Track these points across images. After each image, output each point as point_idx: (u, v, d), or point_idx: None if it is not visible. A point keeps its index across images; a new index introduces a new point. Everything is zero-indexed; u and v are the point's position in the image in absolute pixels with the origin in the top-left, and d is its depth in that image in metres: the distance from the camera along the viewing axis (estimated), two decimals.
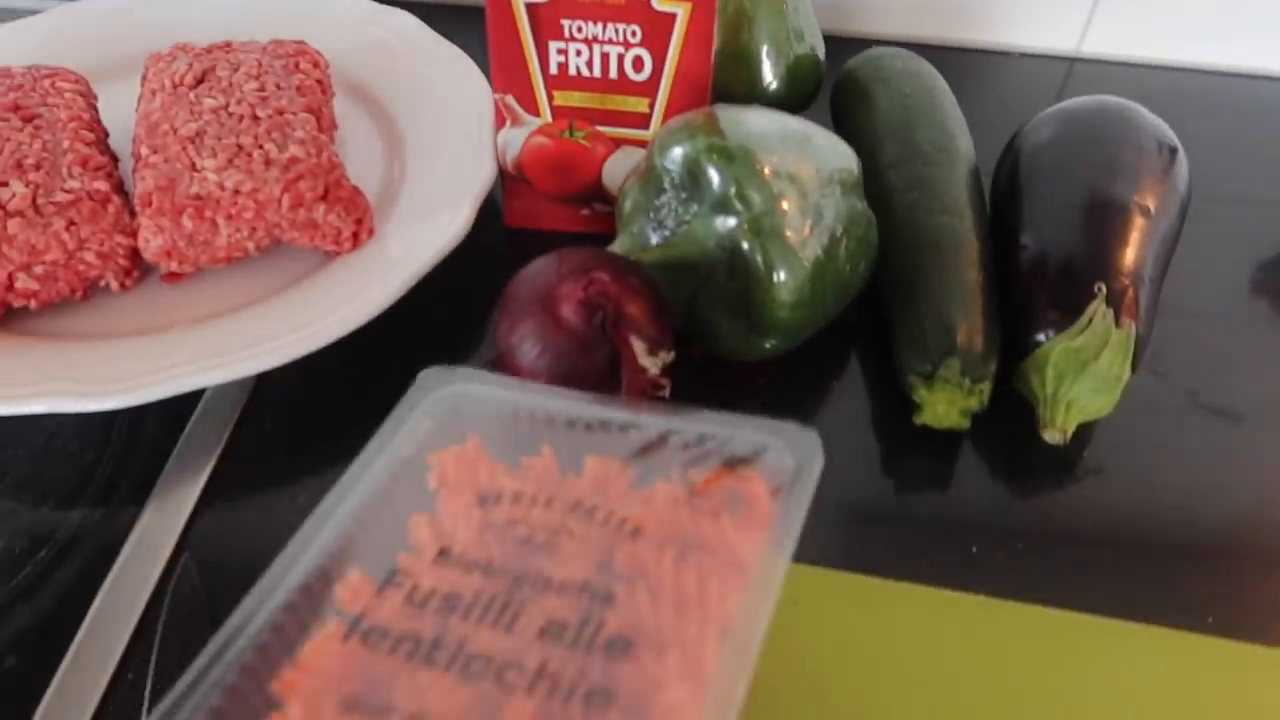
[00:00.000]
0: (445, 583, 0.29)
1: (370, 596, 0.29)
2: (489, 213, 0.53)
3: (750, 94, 0.55)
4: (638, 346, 0.39)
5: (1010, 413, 0.45)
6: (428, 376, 0.34)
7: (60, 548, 0.40)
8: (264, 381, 0.46)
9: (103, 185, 0.45)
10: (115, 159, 0.49)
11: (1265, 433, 0.46)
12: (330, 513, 0.30)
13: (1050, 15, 0.67)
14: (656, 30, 0.45)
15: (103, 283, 0.46)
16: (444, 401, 0.34)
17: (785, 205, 0.42)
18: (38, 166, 0.45)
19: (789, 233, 0.42)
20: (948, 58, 0.61)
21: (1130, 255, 0.45)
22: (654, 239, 0.45)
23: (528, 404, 0.34)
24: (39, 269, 0.43)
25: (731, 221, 0.41)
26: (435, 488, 0.32)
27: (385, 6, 0.61)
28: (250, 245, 0.46)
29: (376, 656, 0.28)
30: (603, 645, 0.27)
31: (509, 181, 0.52)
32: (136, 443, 0.43)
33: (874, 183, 0.50)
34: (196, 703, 0.26)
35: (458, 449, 0.33)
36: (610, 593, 0.28)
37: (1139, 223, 0.46)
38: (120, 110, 0.53)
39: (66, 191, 0.44)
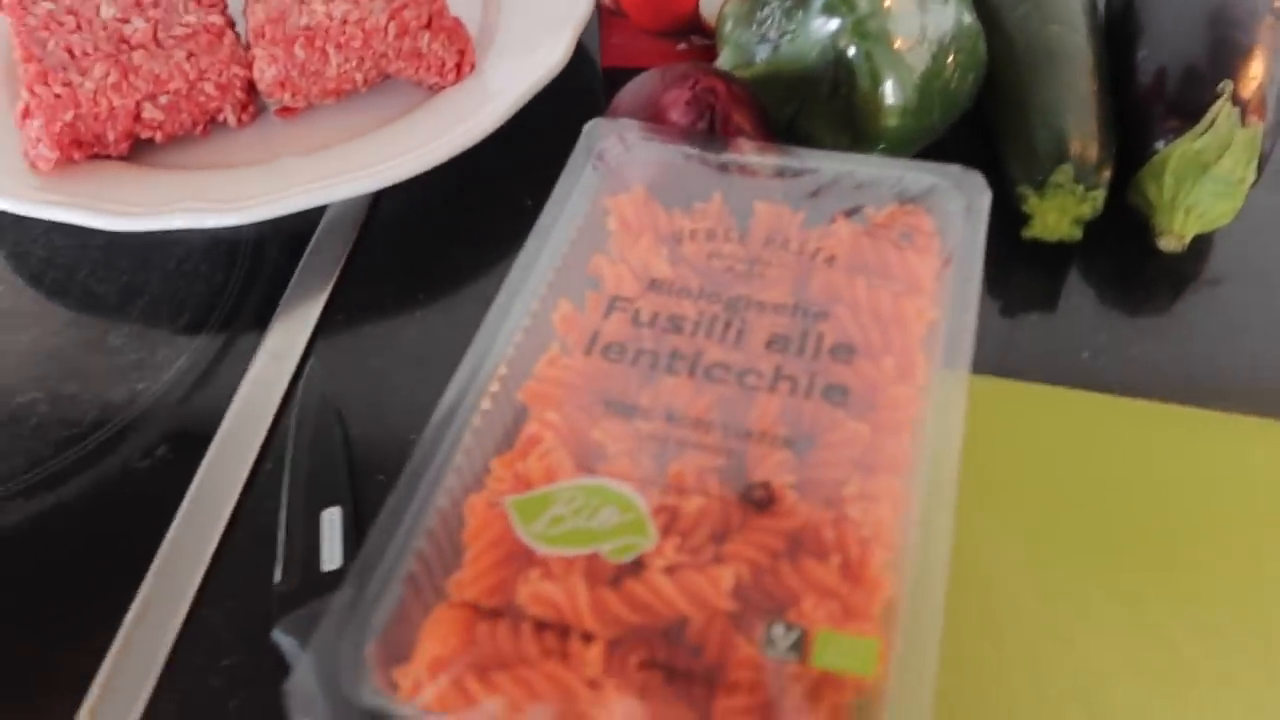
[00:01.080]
0: (664, 307, 0.31)
1: (596, 320, 0.31)
2: (587, 58, 0.53)
3: None
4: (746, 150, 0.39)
5: (1124, 232, 0.44)
6: (594, 126, 0.36)
7: (197, 356, 0.42)
8: (375, 211, 0.48)
9: (217, 19, 0.47)
10: (226, 1, 0.51)
11: None
12: (530, 264, 0.32)
13: None
14: None
15: (221, 116, 0.47)
16: (611, 151, 0.36)
17: (891, 8, 0.41)
18: (155, 4, 0.46)
19: (896, 39, 0.41)
20: None
21: (1258, 56, 0.42)
22: (758, 54, 0.44)
23: (691, 154, 0.36)
24: (163, 99, 0.45)
25: (836, 23, 0.41)
26: (614, 230, 0.34)
27: None
28: (358, 77, 0.47)
29: (618, 367, 0.30)
30: (828, 351, 0.30)
31: (605, 16, 0.52)
32: (261, 265, 0.45)
33: None
34: (463, 413, 0.29)
35: (629, 194, 0.34)
36: (821, 311, 0.31)
37: (1268, 22, 0.43)
38: None
39: (184, 25, 0.46)
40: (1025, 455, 0.37)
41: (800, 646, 0.25)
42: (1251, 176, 0.41)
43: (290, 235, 0.46)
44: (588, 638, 0.25)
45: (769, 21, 0.44)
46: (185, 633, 0.34)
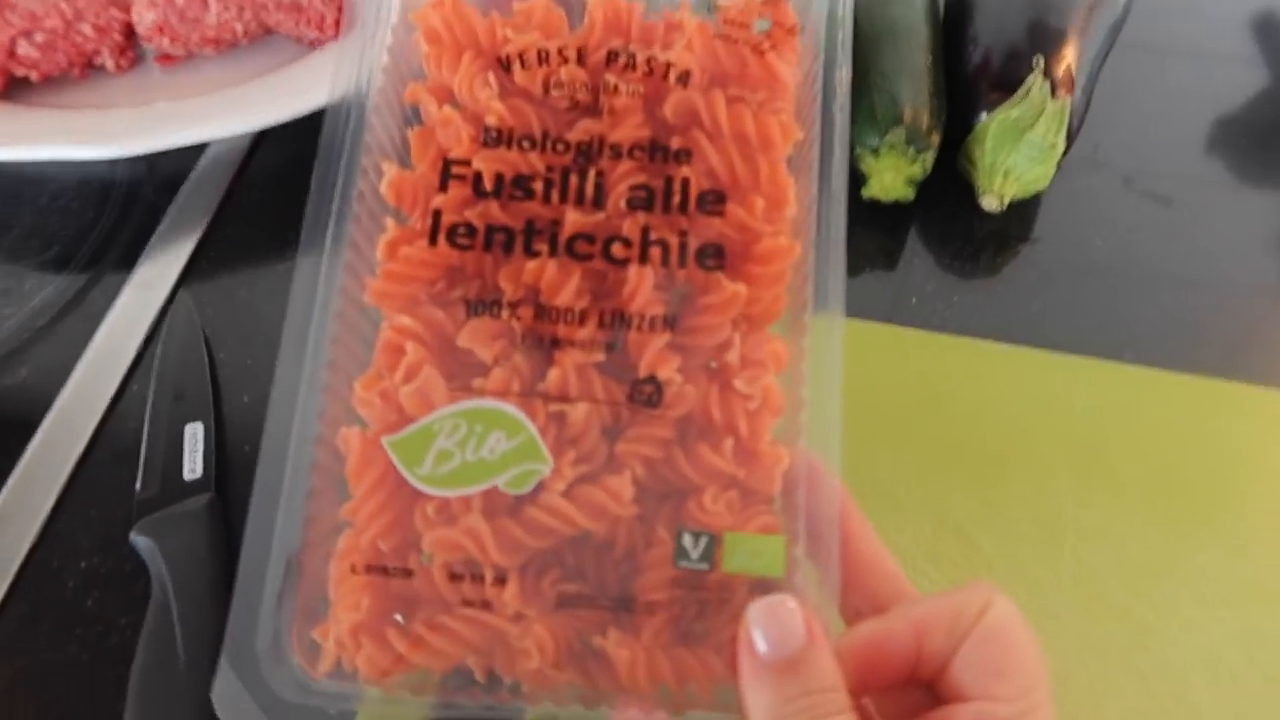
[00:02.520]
0: (508, 166, 0.27)
1: (432, 187, 0.27)
2: None
3: None
4: None
5: (956, 197, 0.48)
6: None
7: (65, 287, 0.43)
8: (251, 160, 0.49)
9: None
10: None
11: (1192, 212, 0.50)
12: (342, 121, 0.28)
13: None
14: None
15: (99, 60, 0.48)
16: None
17: None
18: None
19: None
20: None
21: (1070, 40, 0.47)
22: None
23: None
24: (39, 37, 0.46)
25: None
26: (426, 52, 0.29)
27: None
28: (238, 27, 0.48)
29: (470, 254, 0.27)
30: (695, 202, 0.27)
31: None
32: (134, 205, 0.46)
33: None
34: (317, 320, 0.27)
35: (435, 0, 0.29)
36: (681, 148, 0.28)
37: (1080, 11, 0.48)
38: None
39: None
40: (860, 383, 0.40)
41: (710, 554, 0.25)
42: (1062, 145, 0.46)
43: (165, 178, 0.47)
44: (500, 575, 0.25)
45: None
46: (45, 536, 0.35)
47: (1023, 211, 0.49)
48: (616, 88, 0.28)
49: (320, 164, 0.28)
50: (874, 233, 0.48)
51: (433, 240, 0.27)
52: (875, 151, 0.46)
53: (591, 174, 0.27)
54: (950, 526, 0.36)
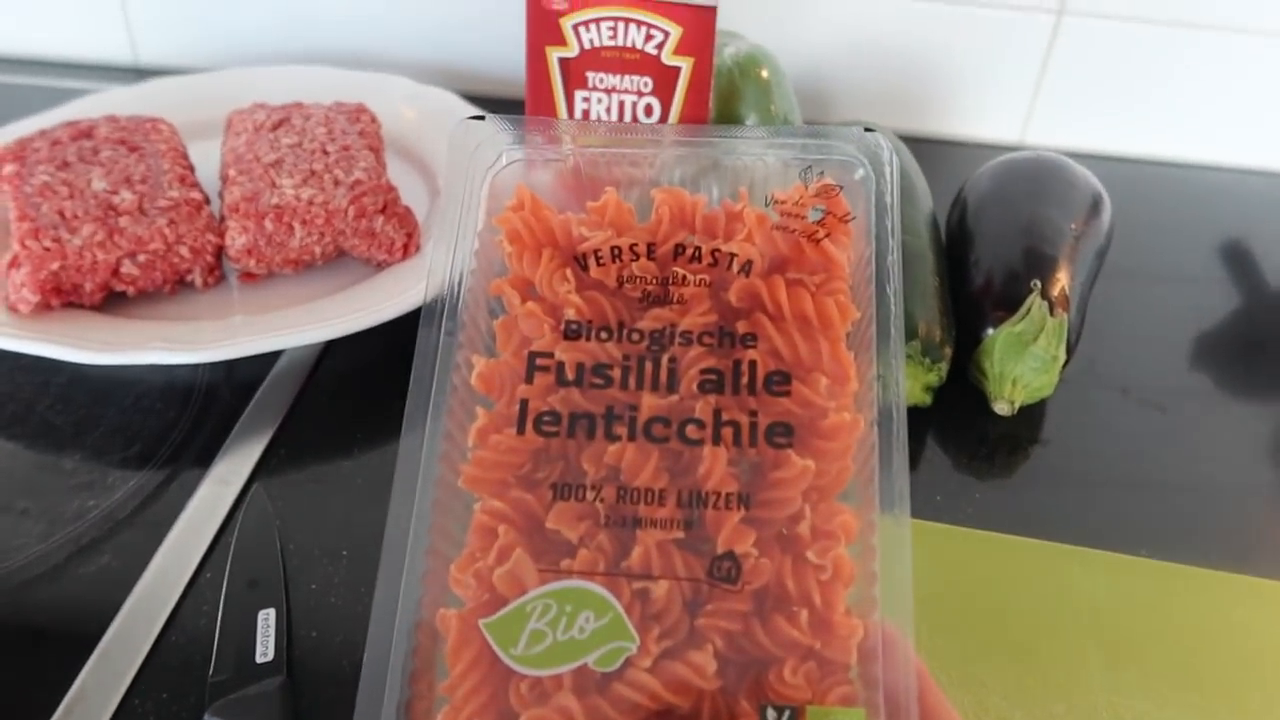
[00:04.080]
0: (587, 356, 0.30)
1: (518, 378, 0.30)
2: None
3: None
4: None
5: (969, 404, 0.52)
6: (463, 134, 0.33)
7: (146, 481, 0.46)
8: (323, 364, 0.53)
9: (198, 195, 0.54)
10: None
11: (1185, 419, 0.54)
12: (434, 318, 0.31)
13: (995, 108, 0.78)
14: (664, 81, 0.55)
15: (190, 277, 0.53)
16: (488, 159, 0.33)
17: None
18: (143, 181, 0.53)
19: None
20: (911, 144, 0.71)
21: (1062, 264, 0.53)
22: None
23: (576, 150, 0.34)
24: (141, 257, 0.51)
25: None
26: (509, 252, 0.31)
27: (426, 86, 0.72)
28: (317, 250, 0.54)
29: (555, 440, 0.29)
30: (762, 384, 0.29)
31: None
32: (212, 405, 0.50)
33: None
34: (416, 507, 0.29)
35: (515, 203, 0.32)
36: (747, 332, 0.30)
37: (1069, 239, 0.54)
38: (205, 161, 0.62)
39: (167, 199, 0.53)
40: None
41: None
42: (1063, 356, 0.50)
43: (241, 383, 0.51)
44: None
45: None
46: (119, 719, 0.36)
47: (1031, 416, 0.53)
48: (684, 278, 0.31)
49: (418, 362, 0.30)
50: None
51: (520, 429, 0.29)
52: None
53: (665, 360, 0.30)
54: (992, 712, 0.37)
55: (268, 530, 0.43)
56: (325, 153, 0.56)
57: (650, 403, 0.29)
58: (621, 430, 0.29)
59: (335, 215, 0.53)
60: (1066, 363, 0.51)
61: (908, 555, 0.28)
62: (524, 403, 0.29)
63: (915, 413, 0.51)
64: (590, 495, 0.28)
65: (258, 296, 0.54)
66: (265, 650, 0.38)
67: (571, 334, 0.30)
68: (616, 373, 0.30)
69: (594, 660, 0.27)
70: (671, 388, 0.29)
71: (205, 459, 0.47)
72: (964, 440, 0.51)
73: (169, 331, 0.50)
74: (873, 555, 0.28)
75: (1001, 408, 0.50)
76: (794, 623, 0.27)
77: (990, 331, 0.51)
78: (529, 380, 0.30)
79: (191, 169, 0.57)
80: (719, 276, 0.31)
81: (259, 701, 0.36)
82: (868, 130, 0.33)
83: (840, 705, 0.27)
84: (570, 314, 0.30)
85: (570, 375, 0.30)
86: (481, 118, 0.34)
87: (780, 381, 0.29)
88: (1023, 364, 0.50)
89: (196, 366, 0.50)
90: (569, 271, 0.31)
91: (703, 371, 0.29)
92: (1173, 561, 0.44)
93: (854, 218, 0.31)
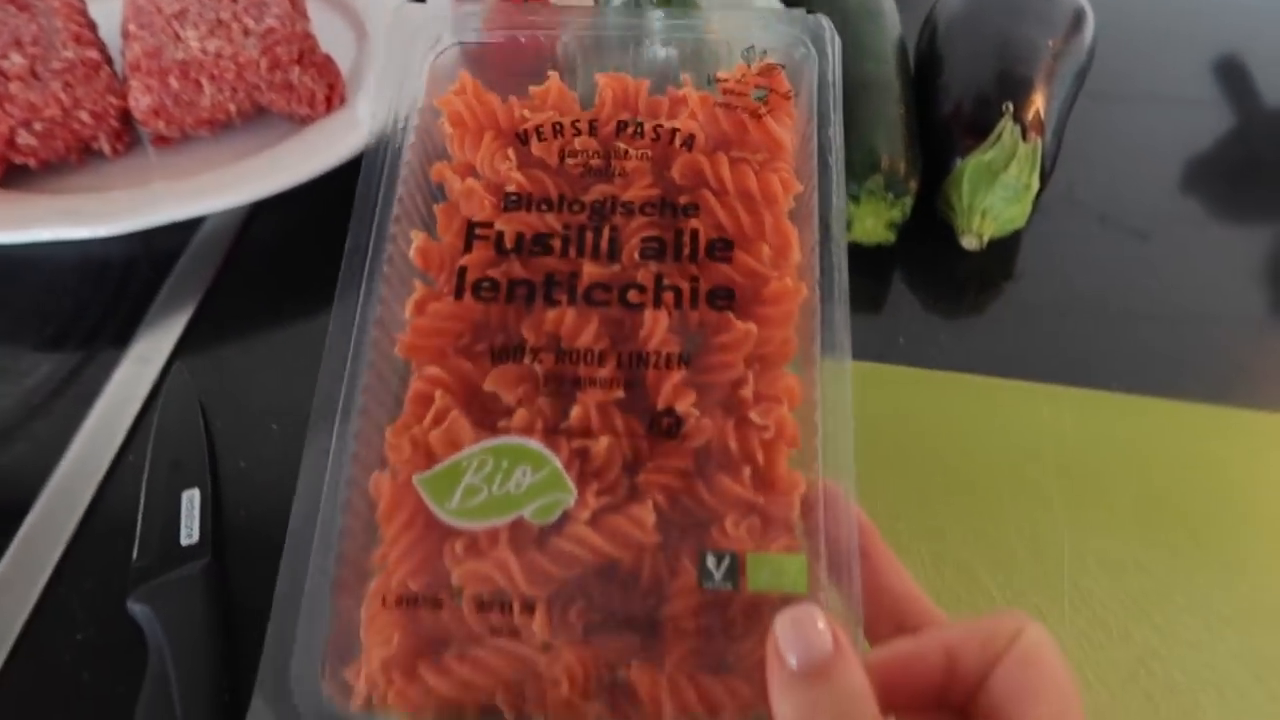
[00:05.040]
0: (527, 226, 0.29)
1: (457, 251, 0.29)
2: None
3: None
4: None
5: (937, 240, 0.49)
6: (400, 19, 0.33)
7: (61, 364, 0.43)
8: (247, 231, 0.50)
9: (95, 55, 0.49)
10: (104, 42, 0.53)
11: (1168, 247, 0.50)
12: (371, 193, 0.30)
13: None
14: None
15: (96, 145, 0.49)
16: (427, 43, 0.33)
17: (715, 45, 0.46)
18: (35, 43, 0.49)
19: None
20: None
21: (1037, 86, 0.49)
22: None
23: (512, 28, 0.33)
24: (38, 126, 0.47)
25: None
26: (450, 133, 0.31)
27: None
28: (232, 108, 0.50)
29: (494, 306, 0.28)
30: (705, 249, 0.29)
31: None
32: (129, 282, 0.47)
33: None
34: (349, 376, 0.28)
35: (458, 87, 0.32)
36: (689, 203, 0.30)
37: (1046, 58, 0.50)
38: (109, 19, 0.57)
39: (62, 60, 0.48)
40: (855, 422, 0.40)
41: (734, 575, 0.25)
42: (1035, 184, 0.47)
43: (160, 254, 0.48)
44: (528, 605, 0.25)
45: None
46: (41, 610, 0.35)
47: (1002, 251, 0.49)
48: (627, 153, 0.30)
49: (354, 230, 0.30)
50: (859, 277, 0.48)
51: (458, 295, 0.29)
52: (855, 198, 0.47)
53: (606, 230, 0.29)
54: (950, 560, 0.36)
55: (190, 408, 0.40)
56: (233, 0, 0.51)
57: (591, 270, 0.29)
58: (561, 296, 0.28)
59: (246, 68, 0.49)
60: (1040, 191, 0.48)
61: (848, 406, 0.27)
62: (462, 270, 0.29)
63: (880, 252, 0.48)
64: (529, 359, 0.28)
65: (175, 162, 0.51)
66: (190, 532, 0.36)
67: (511, 205, 0.30)
68: (556, 242, 0.29)
69: (530, 512, 0.26)
70: (613, 256, 0.29)
71: (124, 338, 0.44)
72: (931, 278, 0.48)
73: (75, 204, 0.46)
74: (814, 409, 0.28)
75: (969, 242, 0.47)
76: (737, 479, 0.27)
77: (959, 161, 0.48)
78: (468, 250, 0.29)
79: (90, 26, 0.53)
80: (661, 152, 0.31)
81: (182, 585, 0.34)
82: (810, 13, 0.33)
83: (783, 554, 0.26)
84: (511, 188, 0.30)
85: (509, 244, 0.29)
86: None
87: (722, 249, 0.29)
88: (993, 194, 0.47)
89: (110, 241, 0.47)
90: (511, 151, 0.31)
91: (644, 240, 0.29)
92: (1146, 395, 0.42)
93: (796, 94, 0.31)
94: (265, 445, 0.40)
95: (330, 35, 0.58)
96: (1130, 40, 0.64)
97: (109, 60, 0.51)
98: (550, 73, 0.32)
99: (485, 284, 0.29)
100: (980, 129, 0.48)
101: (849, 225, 0.48)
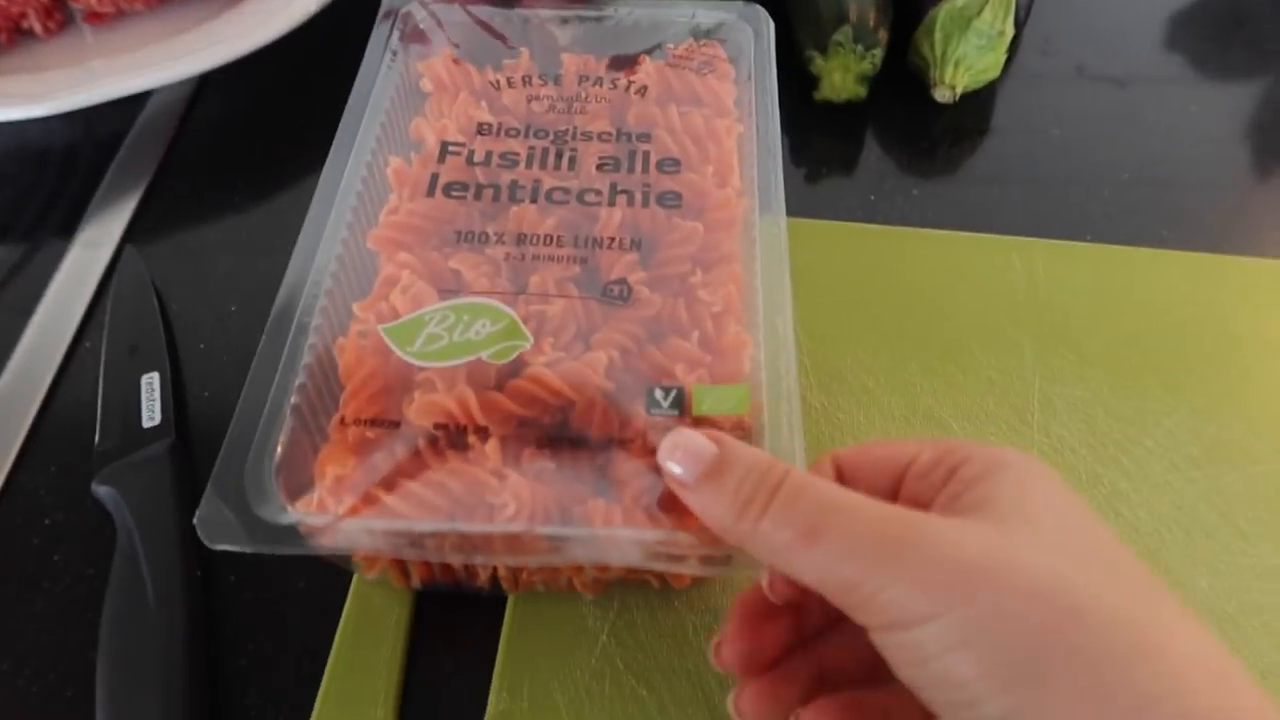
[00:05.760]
0: (496, 147, 0.33)
1: (430, 167, 0.32)
2: None
3: None
4: None
5: (910, 94, 0.47)
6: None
7: (8, 253, 0.42)
8: (193, 110, 0.48)
9: None
10: None
11: (1145, 96, 0.49)
12: (354, 125, 0.34)
13: None
14: None
15: (26, 24, 0.47)
16: (414, 17, 0.38)
17: None
18: None
19: None
20: None
21: None
22: None
23: (492, 14, 0.38)
24: None
25: None
26: (430, 92, 0.35)
27: None
28: None
29: (462, 205, 0.31)
30: (655, 166, 0.32)
31: None
32: (74, 166, 0.45)
33: None
34: (319, 264, 0.30)
35: (439, 57, 0.36)
36: (643, 133, 0.33)
37: None
38: None
39: None
40: (824, 281, 0.40)
41: (680, 402, 0.27)
42: (1010, 31, 0.45)
43: (104, 137, 0.46)
44: (482, 434, 0.26)
45: None
46: (6, 495, 0.34)
47: (977, 104, 0.48)
48: (588, 98, 0.35)
49: (335, 154, 0.33)
50: (830, 135, 0.47)
51: (430, 193, 0.31)
52: (823, 52, 0.45)
53: (566, 152, 0.33)
54: (921, 412, 0.36)
55: (144, 292, 0.39)
56: None
57: (551, 180, 0.32)
58: (524, 196, 0.31)
59: None
60: (1016, 38, 0.46)
61: (784, 265, 0.30)
62: (434, 175, 0.32)
63: (850, 108, 0.47)
64: (493, 243, 0.30)
65: (112, 40, 0.48)
66: (151, 415, 0.35)
67: (482, 131, 0.33)
68: (521, 159, 0.33)
69: (489, 354, 0.27)
70: (573, 170, 0.32)
71: (70, 225, 0.43)
72: (903, 134, 0.47)
73: (13, 85, 0.44)
74: (754, 275, 0.30)
75: (942, 94, 0.45)
76: (685, 340, 0.28)
77: (931, 9, 0.46)
78: (440, 162, 0.32)
79: None
80: (618, 99, 0.35)
81: (147, 465, 0.34)
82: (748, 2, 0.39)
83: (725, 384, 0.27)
84: (481, 120, 0.34)
85: (479, 158, 0.32)
86: None
87: (671, 166, 0.33)
88: (965, 43, 0.45)
89: (49, 124, 0.45)
90: (483, 102, 0.34)
91: (601, 158, 0.33)
92: (1119, 244, 0.41)
93: (736, 63, 0.36)
94: (224, 326, 0.39)
95: None
96: None
97: None
98: (522, 49, 0.37)
99: (455, 186, 0.32)
100: None
101: (817, 82, 0.46)
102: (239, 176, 0.45)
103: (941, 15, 0.45)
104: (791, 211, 0.41)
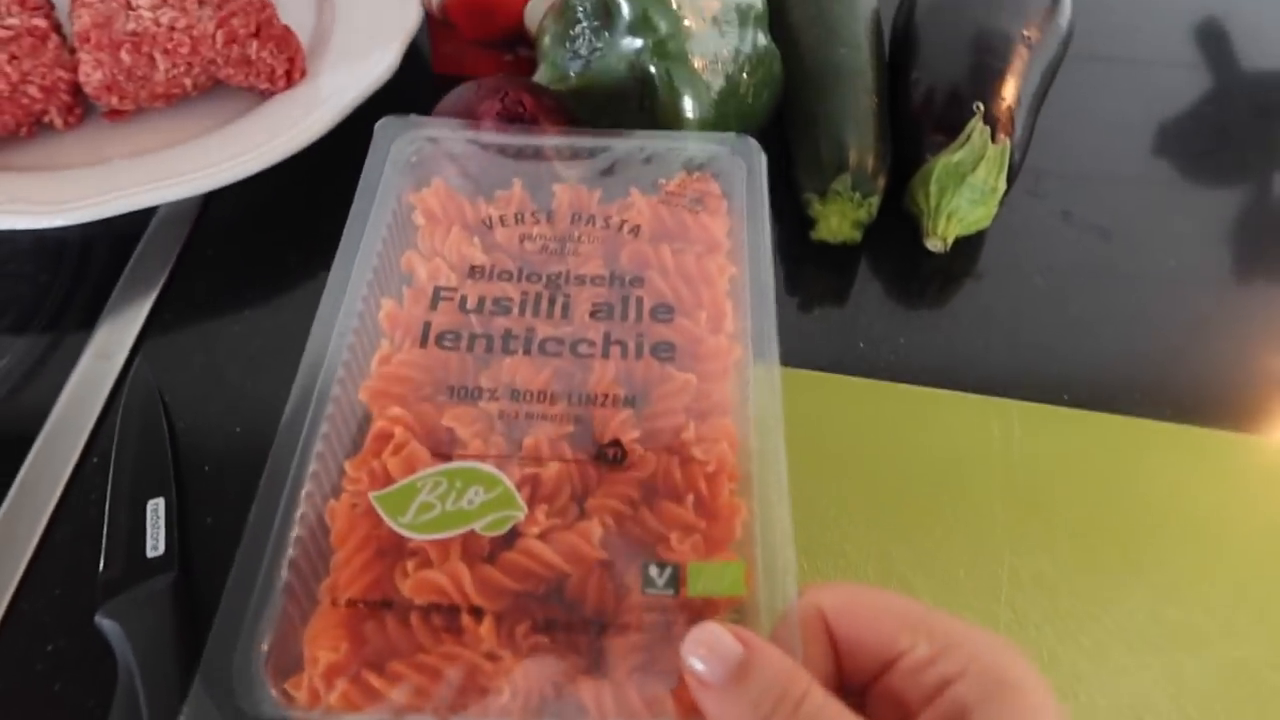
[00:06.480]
0: (488, 292, 0.33)
1: (422, 312, 0.32)
2: (420, 63, 0.56)
3: None
4: None
5: (903, 234, 0.49)
6: (385, 126, 0.38)
7: (21, 357, 0.43)
8: (207, 213, 0.49)
9: (41, 22, 0.47)
10: (52, 5, 0.51)
11: (1130, 245, 0.51)
12: (347, 264, 0.34)
13: None
14: None
15: (47, 118, 0.48)
16: (405, 148, 0.38)
17: (690, 31, 0.45)
18: None
19: (694, 59, 0.45)
20: None
21: (1009, 81, 0.48)
22: (571, 70, 0.48)
23: (487, 143, 0.38)
24: None
25: (639, 43, 0.45)
26: (421, 225, 0.35)
27: None
28: (188, 82, 0.48)
29: (454, 355, 0.31)
30: (649, 314, 0.33)
31: (435, 27, 0.55)
32: (88, 266, 0.46)
33: (782, 22, 0.53)
34: (310, 420, 0.30)
35: (431, 189, 0.36)
36: (636, 277, 0.34)
37: (1020, 51, 0.49)
38: None
39: (6, 29, 0.46)
40: (805, 434, 0.41)
41: (675, 581, 0.27)
42: (1003, 186, 0.47)
43: (119, 237, 0.47)
44: (476, 614, 0.27)
45: (580, 39, 0.47)
46: (9, 619, 0.36)
47: (967, 247, 0.50)
48: (580, 238, 0.35)
49: (328, 295, 0.33)
50: (822, 272, 0.49)
51: (423, 344, 0.32)
52: (822, 196, 0.47)
53: (560, 298, 0.33)
54: (894, 577, 0.37)
55: (153, 410, 0.41)
56: None
57: (545, 328, 0.32)
58: (517, 347, 0.32)
59: (201, 42, 0.47)
60: (1008, 190, 0.48)
61: (778, 420, 0.30)
62: (426, 324, 0.32)
63: (844, 249, 0.49)
64: (485, 400, 0.30)
65: (130, 135, 0.49)
66: (155, 543, 0.37)
67: (475, 275, 0.34)
68: (515, 306, 0.33)
69: (482, 526, 0.28)
70: (565, 317, 0.33)
71: (85, 326, 0.44)
72: (894, 274, 0.49)
73: (29, 186, 0.45)
74: (749, 453, 0.30)
75: (934, 244, 0.47)
76: (680, 505, 0.29)
77: (928, 158, 0.47)
78: (433, 309, 0.33)
79: None
80: (611, 239, 0.35)
81: (150, 601, 0.35)
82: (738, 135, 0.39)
83: (721, 562, 0.28)
84: (475, 263, 0.34)
85: (472, 304, 0.33)
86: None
87: (664, 313, 0.33)
88: (959, 196, 0.47)
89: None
90: (476, 238, 0.35)
91: (594, 304, 0.33)
92: (1095, 408, 0.43)
93: (729, 197, 0.36)
94: (229, 447, 0.41)
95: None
96: (1110, 15, 0.63)
97: (57, 26, 0.49)
98: (514, 179, 0.37)
99: (448, 336, 0.32)
100: (950, 126, 0.47)
101: (814, 223, 0.48)
102: (250, 284, 0.46)
103: (937, 169, 0.47)
104: (781, 356, 0.43)
